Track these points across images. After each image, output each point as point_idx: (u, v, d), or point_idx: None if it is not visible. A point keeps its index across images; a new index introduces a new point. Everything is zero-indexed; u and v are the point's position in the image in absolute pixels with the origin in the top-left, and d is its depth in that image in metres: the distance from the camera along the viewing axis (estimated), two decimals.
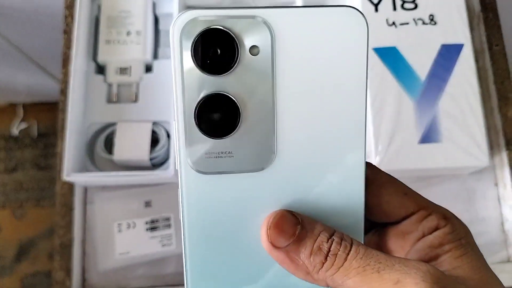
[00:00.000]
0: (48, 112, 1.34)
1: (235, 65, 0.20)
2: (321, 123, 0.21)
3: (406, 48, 0.57)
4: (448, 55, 0.57)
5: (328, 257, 0.21)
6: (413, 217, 0.24)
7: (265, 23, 0.20)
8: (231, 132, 0.21)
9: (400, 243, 0.24)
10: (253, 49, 0.20)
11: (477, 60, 0.63)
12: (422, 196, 0.24)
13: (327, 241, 0.21)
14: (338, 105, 0.21)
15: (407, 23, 0.58)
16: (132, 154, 0.55)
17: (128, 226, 0.55)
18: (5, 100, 1.36)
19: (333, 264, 0.20)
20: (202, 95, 0.21)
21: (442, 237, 0.22)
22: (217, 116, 0.21)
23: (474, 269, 0.22)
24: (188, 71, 0.20)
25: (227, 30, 0.20)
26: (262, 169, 0.22)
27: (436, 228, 0.23)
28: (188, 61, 0.20)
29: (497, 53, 0.62)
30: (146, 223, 0.56)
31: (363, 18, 0.21)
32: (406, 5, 0.59)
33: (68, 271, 0.54)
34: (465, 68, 0.56)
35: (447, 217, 0.23)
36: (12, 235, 1.28)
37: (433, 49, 0.57)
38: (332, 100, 0.21)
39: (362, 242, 0.22)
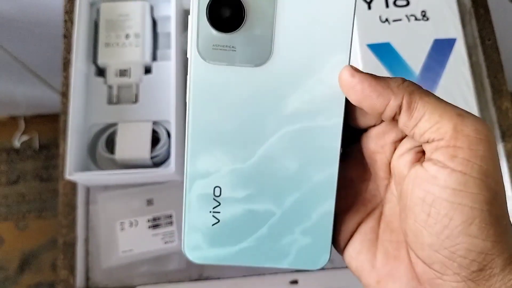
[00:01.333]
0: (49, 124, 1.35)
1: None
2: (312, 32, 0.25)
3: (399, 43, 0.58)
4: (441, 49, 0.58)
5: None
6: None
7: None
8: (236, 29, 0.24)
9: (381, 142, 0.25)
10: None
11: (470, 55, 0.64)
12: None
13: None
14: (329, 15, 0.25)
15: (400, 20, 0.59)
16: (133, 153, 0.56)
17: (131, 224, 0.56)
18: (6, 113, 1.37)
19: (414, 84, 0.23)
20: None
21: None
22: (225, 14, 0.24)
23: None
24: None
25: None
26: (260, 65, 0.25)
27: None
28: None
29: (489, 48, 0.63)
30: (148, 221, 0.56)
31: None
32: (398, 2, 0.60)
33: (71, 270, 0.54)
34: (458, 61, 0.58)
35: None
36: (15, 246, 1.28)
37: (426, 44, 0.58)
38: (324, 10, 0.25)
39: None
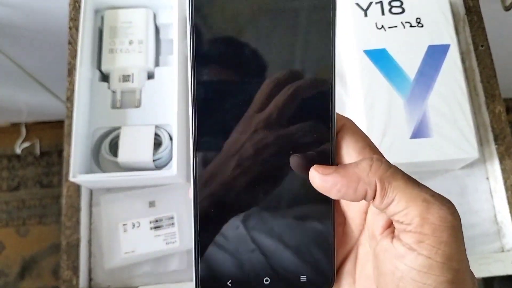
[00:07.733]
0: (50, 131, 1.37)
1: None
2: None
3: (395, 49, 0.60)
4: (435, 55, 0.60)
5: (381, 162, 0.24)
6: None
7: None
8: None
9: None
10: None
11: (464, 61, 0.66)
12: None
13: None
14: None
15: (396, 26, 0.61)
16: (136, 156, 0.57)
17: (133, 226, 0.57)
18: (8, 120, 1.38)
19: (381, 166, 0.24)
20: None
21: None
22: None
23: None
24: None
25: None
26: None
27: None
28: None
29: (482, 53, 0.65)
30: (150, 222, 0.58)
31: None
32: (394, 10, 0.62)
33: (75, 270, 0.56)
34: (452, 67, 0.59)
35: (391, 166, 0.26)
36: (15, 252, 1.29)
37: (420, 50, 0.60)
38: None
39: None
